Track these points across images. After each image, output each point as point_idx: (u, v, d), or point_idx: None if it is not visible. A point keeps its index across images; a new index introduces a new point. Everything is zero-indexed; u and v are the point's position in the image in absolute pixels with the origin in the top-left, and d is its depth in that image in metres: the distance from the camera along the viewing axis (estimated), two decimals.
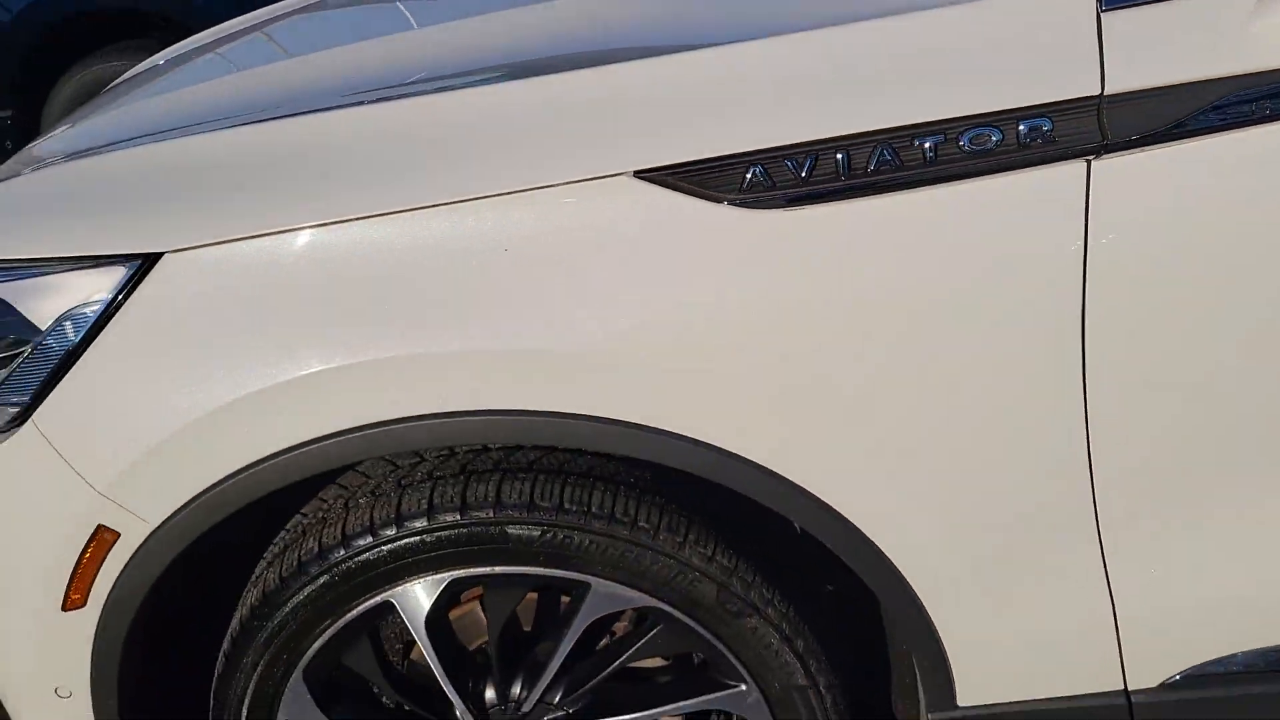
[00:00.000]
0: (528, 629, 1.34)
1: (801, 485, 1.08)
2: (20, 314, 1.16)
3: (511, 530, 1.14)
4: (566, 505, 1.15)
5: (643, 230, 1.03)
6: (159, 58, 1.99)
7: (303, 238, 1.08)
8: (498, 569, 1.17)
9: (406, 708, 1.30)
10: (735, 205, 1.02)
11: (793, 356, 1.05)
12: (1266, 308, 1.01)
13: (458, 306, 1.05)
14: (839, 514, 1.09)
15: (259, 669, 1.22)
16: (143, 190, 1.16)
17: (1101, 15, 0.99)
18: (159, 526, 1.15)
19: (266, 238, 1.09)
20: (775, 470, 1.08)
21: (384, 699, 1.32)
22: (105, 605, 1.20)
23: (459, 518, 1.13)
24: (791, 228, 1.02)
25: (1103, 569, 1.15)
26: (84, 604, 1.20)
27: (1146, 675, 1.23)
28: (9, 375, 1.16)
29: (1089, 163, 0.98)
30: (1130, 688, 1.24)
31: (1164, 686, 1.22)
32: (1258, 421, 1.07)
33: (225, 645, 1.25)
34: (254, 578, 1.24)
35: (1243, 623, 1.18)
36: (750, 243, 1.02)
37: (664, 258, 1.03)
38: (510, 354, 1.05)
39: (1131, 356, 1.03)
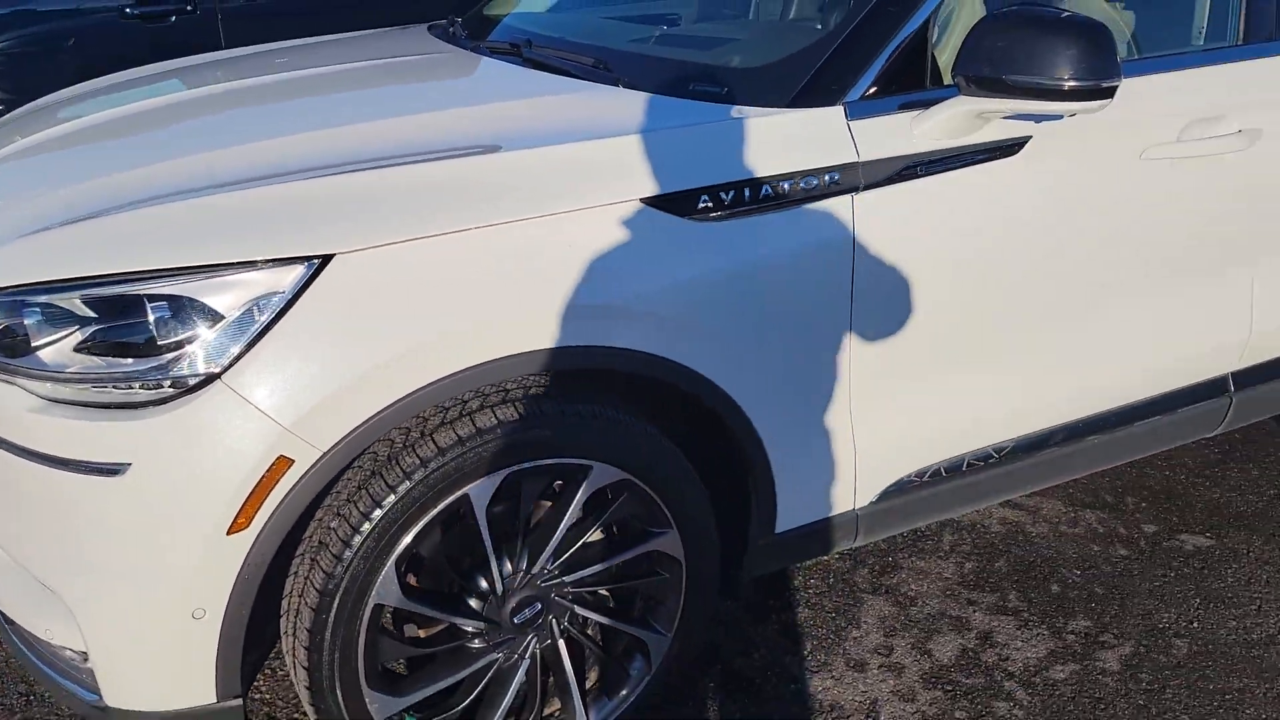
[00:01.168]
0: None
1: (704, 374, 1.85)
2: (206, 304, 1.57)
3: (544, 432, 1.77)
4: (581, 412, 1.81)
5: None
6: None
7: (423, 246, 1.65)
8: (538, 461, 1.79)
9: (458, 588, 1.83)
10: None
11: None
12: (936, 263, 2.02)
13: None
14: (726, 388, 1.88)
15: (361, 559, 1.69)
16: (313, 210, 1.63)
17: (849, 122, 1.94)
18: (326, 451, 1.61)
19: (403, 245, 1.63)
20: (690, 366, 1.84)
21: (442, 584, 1.83)
22: (263, 529, 1.61)
23: (517, 433, 1.74)
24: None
25: (848, 420, 2.07)
26: (247, 526, 1.60)
27: (868, 494, 2.18)
28: (203, 347, 1.55)
29: (854, 194, 1.92)
30: (857, 505, 2.18)
31: (880, 496, 2.18)
32: (936, 337, 2.07)
33: (333, 541, 1.68)
34: (357, 489, 1.69)
35: (928, 448, 2.18)
36: None
37: None
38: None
39: (876, 292, 1.97)
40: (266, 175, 1.71)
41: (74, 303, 1.61)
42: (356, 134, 1.92)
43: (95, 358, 1.60)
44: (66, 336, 1.61)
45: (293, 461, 1.59)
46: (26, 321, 1.62)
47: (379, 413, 1.63)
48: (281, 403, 1.57)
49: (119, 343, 1.60)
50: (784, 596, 2.55)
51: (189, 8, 4.21)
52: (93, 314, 1.61)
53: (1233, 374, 2.56)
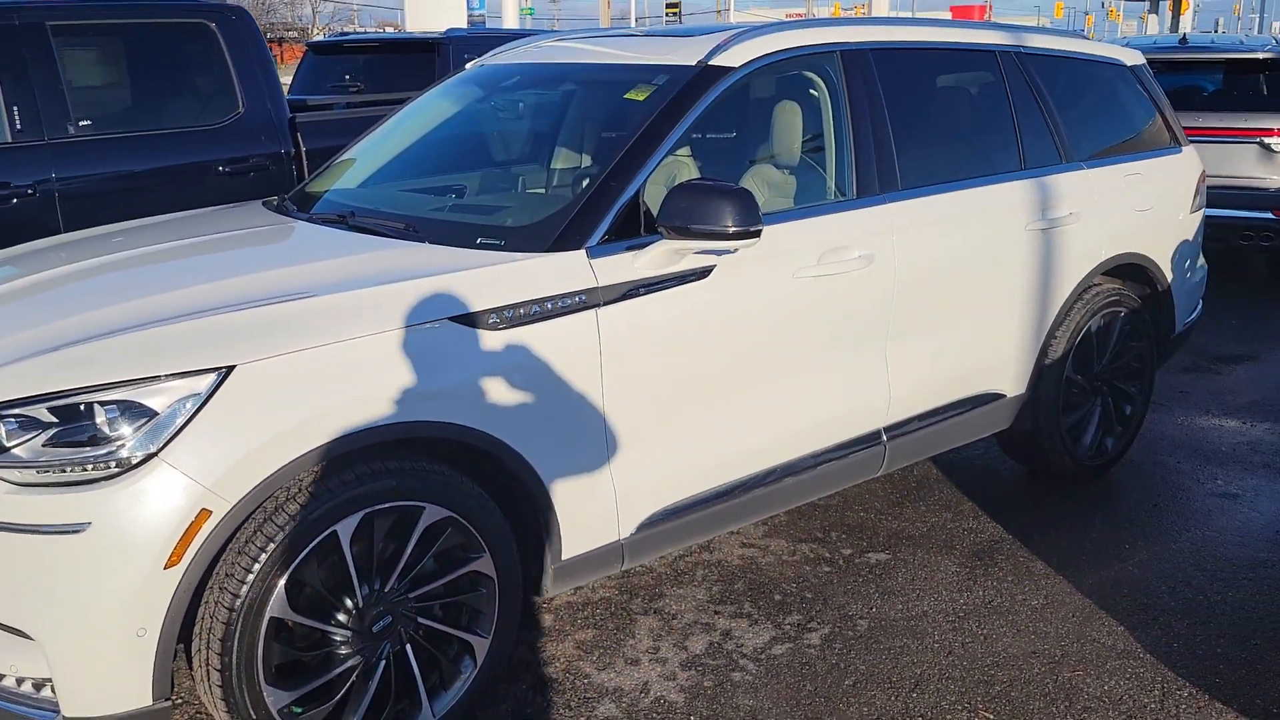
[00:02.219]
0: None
1: (501, 439, 2.64)
2: (144, 405, 2.24)
3: (390, 483, 2.50)
4: (415, 468, 2.55)
5: None
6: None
7: (296, 356, 2.38)
8: (386, 505, 2.51)
9: (330, 605, 2.50)
10: None
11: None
12: (656, 353, 2.89)
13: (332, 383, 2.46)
14: (517, 449, 2.67)
15: (259, 583, 2.35)
16: (218, 336, 2.34)
17: (590, 260, 2.82)
18: (235, 504, 2.28)
19: (283, 356, 2.37)
20: (489, 432, 2.62)
21: (316, 596, 2.49)
22: (190, 563, 2.26)
23: (369, 484, 2.46)
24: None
25: (608, 471, 2.89)
26: (179, 562, 2.25)
27: (628, 527, 2.99)
28: (142, 435, 2.22)
29: (598, 309, 2.79)
30: (621, 536, 2.99)
31: (638, 528, 3.00)
32: (660, 406, 2.93)
33: (238, 571, 2.34)
34: (255, 531, 2.36)
35: (666, 489, 3.01)
36: None
37: None
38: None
39: (623, 378, 2.82)
40: (173, 316, 2.41)
41: (41, 412, 2.25)
42: (237, 284, 2.65)
43: (59, 449, 2.23)
44: (36, 437, 2.24)
45: (211, 512, 2.26)
46: (3, 428, 2.24)
47: (270, 475, 2.32)
48: (203, 470, 2.25)
49: (77, 438, 2.24)
50: (575, 623, 3.30)
51: (29, 191, 4.78)
52: (55, 419, 2.25)
53: (884, 427, 3.56)
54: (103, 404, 2.25)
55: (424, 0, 22.85)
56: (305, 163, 5.58)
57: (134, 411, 2.25)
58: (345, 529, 2.46)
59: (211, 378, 2.29)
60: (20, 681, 2.35)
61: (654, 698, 2.92)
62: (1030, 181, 3.90)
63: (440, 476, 2.59)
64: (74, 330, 2.43)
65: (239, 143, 5.40)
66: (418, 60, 10.12)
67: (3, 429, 2.25)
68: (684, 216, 2.79)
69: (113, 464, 2.23)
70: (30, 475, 2.23)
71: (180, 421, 2.25)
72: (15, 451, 2.24)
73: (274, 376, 2.35)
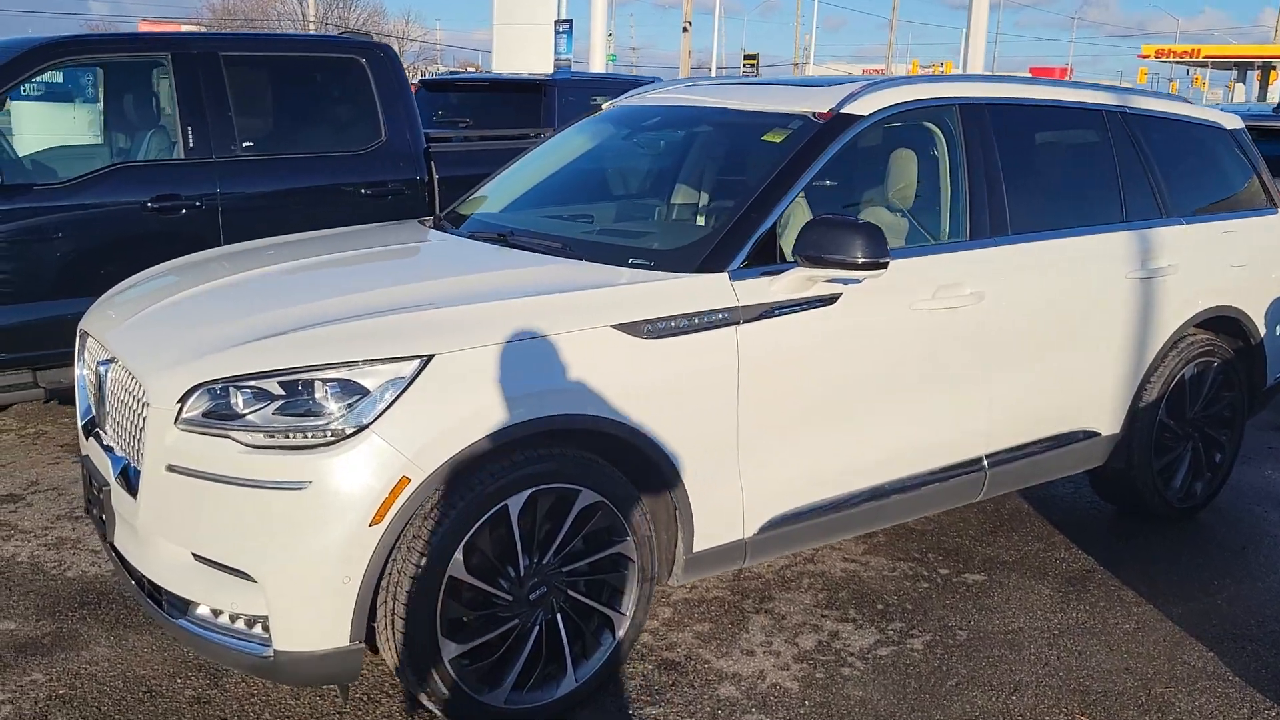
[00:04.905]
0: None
1: (650, 435, 2.95)
2: (359, 384, 2.61)
3: (552, 466, 2.82)
4: (574, 455, 2.88)
5: None
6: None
7: (486, 350, 2.74)
8: (548, 486, 2.83)
9: (498, 569, 2.82)
10: None
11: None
12: (788, 369, 3.20)
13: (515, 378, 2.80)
14: (663, 446, 2.98)
15: (441, 545, 2.68)
16: (420, 329, 2.70)
17: (732, 282, 3.15)
18: (429, 474, 2.63)
19: (474, 350, 2.72)
20: (640, 428, 2.94)
21: (486, 561, 2.82)
22: (390, 523, 2.60)
23: (536, 466, 2.79)
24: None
25: (738, 473, 3.19)
26: (381, 521, 2.60)
27: (752, 527, 3.28)
28: (356, 409, 2.58)
29: (738, 326, 3.11)
30: (745, 535, 3.28)
31: (760, 529, 3.28)
32: (789, 417, 3.23)
33: (424, 534, 2.67)
34: (440, 499, 2.70)
35: (789, 496, 3.30)
36: None
37: None
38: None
39: (756, 390, 3.13)
40: (379, 311, 2.78)
41: (272, 385, 2.62)
42: (427, 287, 3.04)
43: (285, 417, 2.60)
44: (266, 406, 2.61)
45: (409, 480, 2.61)
46: (240, 398, 2.62)
47: (458, 451, 2.66)
48: (405, 443, 2.60)
49: (301, 409, 2.61)
50: (693, 616, 3.59)
51: (197, 204, 5.27)
52: (283, 392, 2.62)
53: (986, 455, 3.81)
54: (324, 381, 2.62)
55: (511, 44, 23.73)
56: (437, 189, 6.03)
57: (350, 389, 2.61)
58: (515, 504, 2.79)
59: (415, 364, 2.65)
60: (235, 618, 2.70)
61: (770, 684, 3.19)
62: (1131, 233, 4.14)
63: (595, 465, 2.92)
64: (296, 318, 2.81)
65: (380, 168, 5.87)
66: (525, 100, 10.66)
67: (239, 398, 2.63)
68: (818, 247, 3.11)
69: (330, 433, 2.59)
70: (259, 439, 2.60)
71: (388, 400, 2.61)
72: (249, 418, 2.61)
73: (466, 367, 2.70)
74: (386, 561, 2.66)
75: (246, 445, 2.61)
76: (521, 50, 22.95)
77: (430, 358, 2.67)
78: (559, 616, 2.95)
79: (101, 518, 3.06)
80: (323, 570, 2.58)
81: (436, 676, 2.75)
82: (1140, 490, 4.36)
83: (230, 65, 5.49)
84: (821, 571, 3.95)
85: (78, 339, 3.48)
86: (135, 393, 2.83)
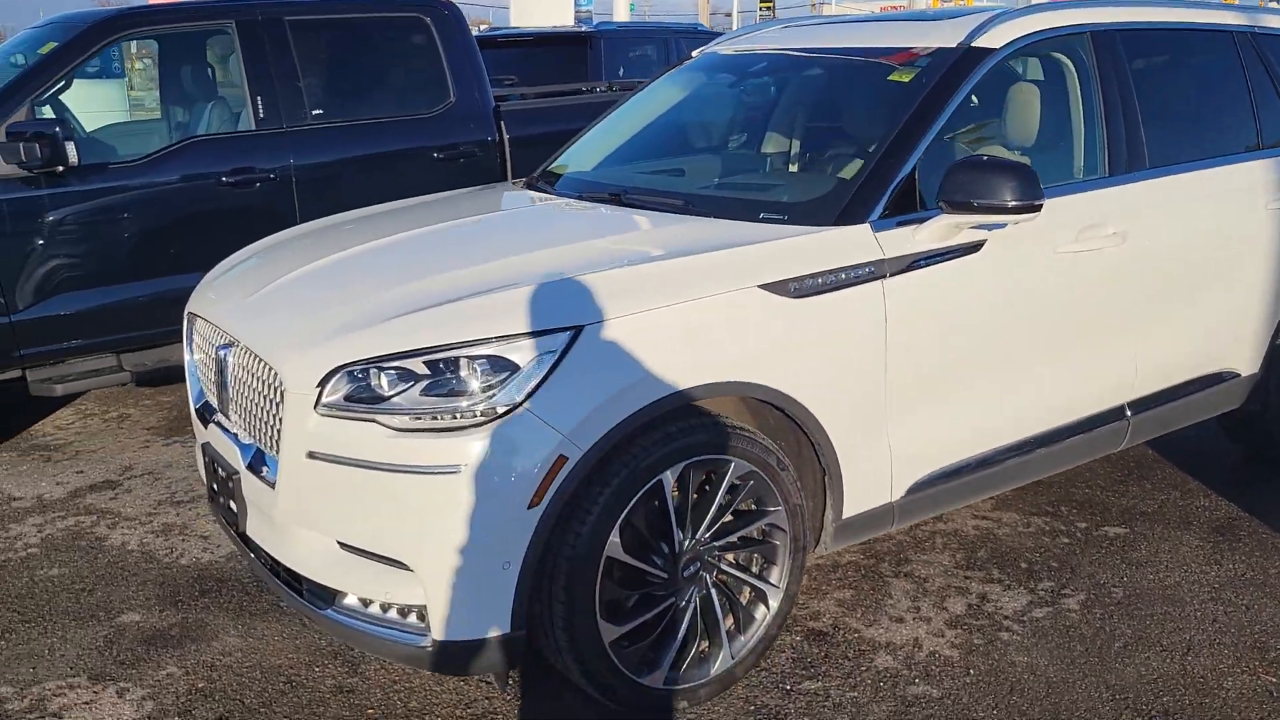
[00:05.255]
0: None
1: (799, 400, 2.80)
2: (509, 359, 2.46)
3: (704, 437, 2.68)
4: (726, 424, 2.73)
5: None
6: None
7: (635, 318, 2.58)
8: (701, 457, 2.69)
9: (653, 546, 2.69)
10: None
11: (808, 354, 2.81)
12: (935, 322, 3.02)
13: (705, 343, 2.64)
14: (812, 410, 2.82)
15: (598, 525, 2.55)
16: (566, 299, 2.55)
17: (875, 234, 2.97)
18: (585, 452, 2.48)
19: (624, 318, 2.56)
20: (789, 393, 2.78)
21: (641, 539, 2.68)
22: (548, 504, 2.47)
23: (689, 438, 2.65)
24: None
25: (886, 434, 3.03)
26: (540, 503, 2.46)
27: (900, 489, 3.13)
28: (508, 387, 2.44)
29: (884, 280, 2.93)
30: (893, 498, 3.13)
31: (907, 491, 3.13)
32: (938, 372, 3.06)
33: (580, 514, 2.53)
34: (594, 477, 2.56)
35: (936, 455, 3.14)
36: None
37: None
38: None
39: (904, 346, 2.96)
40: (520, 280, 2.63)
41: (417, 364, 2.48)
42: (558, 254, 2.87)
43: (433, 398, 2.47)
44: (412, 387, 2.48)
45: (567, 459, 2.47)
46: (384, 379, 2.49)
47: (614, 426, 2.52)
48: (560, 420, 2.46)
49: (448, 388, 2.47)
50: (831, 583, 3.45)
51: (270, 175, 5.13)
52: (428, 371, 2.48)
53: (1128, 403, 3.62)
54: (471, 359, 2.47)
55: None
56: (508, 149, 5.85)
57: (499, 365, 2.47)
58: (669, 478, 2.65)
59: (565, 336, 2.50)
60: (387, 608, 2.59)
61: (928, 652, 3.06)
62: (1270, 160, 3.91)
63: (746, 433, 2.77)
64: (433, 293, 2.66)
65: (451, 130, 5.69)
66: (571, 53, 10.41)
67: (383, 379, 2.49)
68: (966, 191, 2.91)
69: (482, 413, 2.45)
70: (406, 421, 2.47)
71: (540, 375, 2.46)
72: (395, 400, 2.48)
73: (616, 336, 2.55)
74: (545, 544, 2.53)
75: (394, 429, 2.47)
76: (541, 5, 22.53)
77: (580, 328, 2.52)
78: (713, 592, 2.82)
79: (229, 506, 2.95)
80: (482, 556, 2.46)
81: (597, 661, 2.63)
82: (1275, 434, 4.16)
83: (296, 30, 5.32)
84: (954, 530, 3.80)
85: (185, 322, 3.36)
86: (265, 377, 2.71)
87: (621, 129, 4.25)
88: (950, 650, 3.06)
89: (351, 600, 2.65)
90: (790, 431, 2.93)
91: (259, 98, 5.16)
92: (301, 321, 2.73)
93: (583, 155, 4.13)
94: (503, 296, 2.59)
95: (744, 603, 2.91)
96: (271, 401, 2.69)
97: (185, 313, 3.36)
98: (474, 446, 2.43)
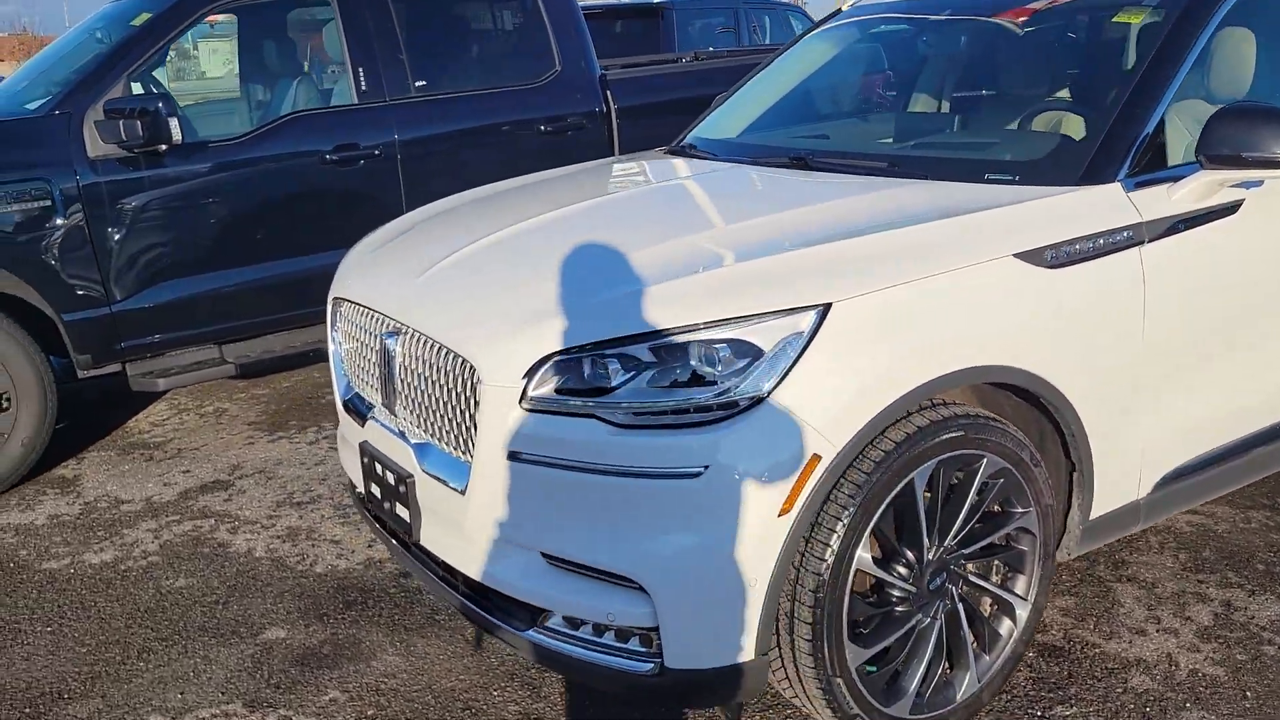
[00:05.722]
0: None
1: (1059, 388, 2.42)
2: (752, 344, 2.11)
3: (957, 433, 2.31)
4: (979, 416, 2.36)
5: None
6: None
7: (888, 293, 2.22)
8: (953, 453, 2.33)
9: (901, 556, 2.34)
10: None
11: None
12: (1197, 292, 2.64)
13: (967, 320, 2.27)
14: (1066, 395, 2.45)
15: (848, 533, 2.19)
16: (807, 272, 2.19)
17: (1128, 194, 2.58)
18: (840, 450, 2.13)
19: (873, 294, 2.20)
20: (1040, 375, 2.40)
21: (889, 549, 2.33)
22: (799, 512, 2.12)
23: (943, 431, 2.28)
24: None
25: (1138, 421, 2.65)
26: (790, 510, 2.11)
27: (1147, 485, 2.75)
28: (752, 375, 2.09)
29: (1141, 246, 2.55)
30: (1140, 495, 2.75)
31: (1154, 486, 2.75)
32: (1196, 348, 2.68)
33: (828, 520, 2.18)
34: (843, 478, 2.21)
35: (1185, 444, 2.76)
36: None
37: None
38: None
39: (1162, 320, 2.58)
40: (748, 252, 2.28)
41: (642, 351, 2.14)
42: (784, 220, 2.52)
43: (663, 389, 2.12)
44: (637, 377, 2.13)
45: (820, 458, 2.12)
46: (604, 368, 2.14)
47: (871, 419, 2.16)
48: (813, 412, 2.10)
49: (680, 378, 2.12)
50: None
51: (375, 152, 4.80)
52: (655, 359, 2.14)
53: None
54: (709, 343, 2.13)
55: None
56: (615, 120, 5.49)
57: (740, 350, 2.12)
58: (921, 478, 2.29)
59: (812, 315, 2.14)
60: (602, 629, 2.26)
61: (1188, 670, 2.69)
62: None
63: (997, 424, 2.40)
64: (647, 269, 2.32)
65: (558, 101, 5.35)
66: (643, 26, 10.02)
67: (604, 369, 2.15)
68: (1235, 143, 2.52)
69: (722, 405, 2.10)
70: (631, 417, 2.13)
71: (788, 361, 2.11)
72: (618, 392, 2.14)
73: (866, 314, 2.19)
74: (791, 557, 2.18)
75: (617, 425, 2.13)
76: None
77: (828, 306, 2.16)
78: (960, 606, 2.46)
79: (395, 513, 2.63)
80: (727, 572, 2.11)
81: (843, 688, 2.29)
82: None
83: None
84: (1166, 527, 3.41)
85: (330, 307, 3.03)
86: (451, 369, 2.38)
87: (770, 92, 3.88)
88: (1213, 668, 2.69)
89: (558, 620, 2.31)
90: (1033, 422, 2.56)
91: (360, 69, 4.83)
92: (493, 305, 2.39)
93: (731, 120, 3.77)
94: (739, 270, 2.24)
95: (988, 618, 2.55)
96: (459, 396, 2.36)
97: (330, 298, 3.03)
98: (716, 445, 2.08)
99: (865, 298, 2.19)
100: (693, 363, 2.13)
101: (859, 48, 3.86)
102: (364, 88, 4.84)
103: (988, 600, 2.56)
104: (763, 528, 2.10)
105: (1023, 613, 2.56)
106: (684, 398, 2.11)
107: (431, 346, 2.44)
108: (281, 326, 4.77)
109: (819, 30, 3.99)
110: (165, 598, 3.33)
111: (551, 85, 5.35)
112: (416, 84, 4.97)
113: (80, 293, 4.26)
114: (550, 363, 2.19)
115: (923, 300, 2.25)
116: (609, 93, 5.48)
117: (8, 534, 3.87)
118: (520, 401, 2.21)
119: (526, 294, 2.37)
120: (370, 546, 3.59)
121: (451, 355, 2.37)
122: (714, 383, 2.11)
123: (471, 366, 2.29)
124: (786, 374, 2.10)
